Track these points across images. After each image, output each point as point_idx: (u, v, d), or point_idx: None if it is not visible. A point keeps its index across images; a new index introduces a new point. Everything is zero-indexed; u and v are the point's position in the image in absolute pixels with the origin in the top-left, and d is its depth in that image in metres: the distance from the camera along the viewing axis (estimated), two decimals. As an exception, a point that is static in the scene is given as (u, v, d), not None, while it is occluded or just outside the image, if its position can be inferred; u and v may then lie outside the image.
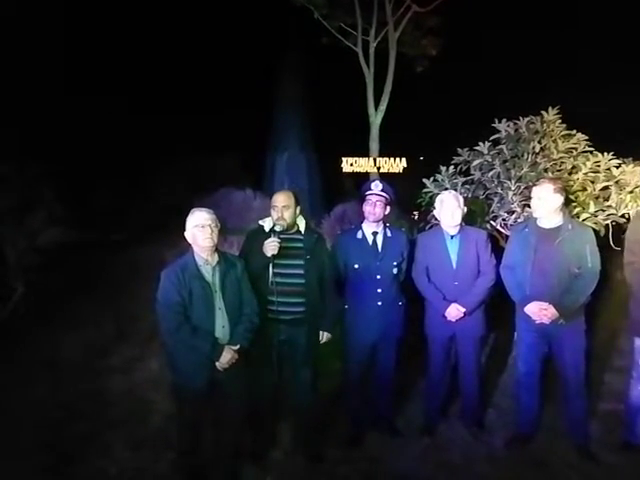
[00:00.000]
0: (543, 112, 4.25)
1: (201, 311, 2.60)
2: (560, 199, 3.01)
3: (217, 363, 2.61)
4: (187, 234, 2.67)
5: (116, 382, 3.89)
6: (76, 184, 9.27)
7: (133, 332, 4.63)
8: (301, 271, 2.98)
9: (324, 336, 3.14)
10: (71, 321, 4.97)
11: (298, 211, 3.05)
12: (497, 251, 3.33)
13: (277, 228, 2.91)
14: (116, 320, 4.96)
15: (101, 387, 3.82)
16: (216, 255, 2.70)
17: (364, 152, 9.27)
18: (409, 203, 5.42)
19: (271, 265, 2.86)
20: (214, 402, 2.75)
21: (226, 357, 2.61)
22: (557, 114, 4.22)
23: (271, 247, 2.85)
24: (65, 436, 3.22)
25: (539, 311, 2.96)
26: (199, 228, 2.61)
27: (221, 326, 2.65)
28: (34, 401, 3.56)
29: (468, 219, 4.03)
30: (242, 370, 2.73)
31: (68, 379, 3.88)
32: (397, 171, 8.25)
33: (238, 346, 2.66)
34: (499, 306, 3.38)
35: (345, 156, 8.47)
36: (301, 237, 3.03)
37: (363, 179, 8.50)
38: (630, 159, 4.18)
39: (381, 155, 8.92)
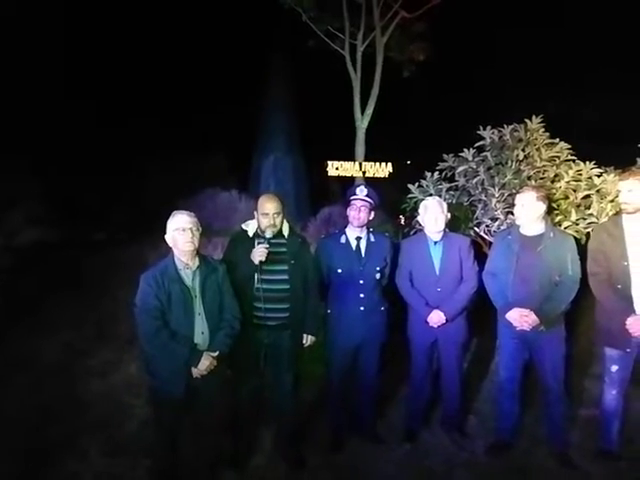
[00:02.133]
0: (527, 120, 4.29)
1: (180, 316, 2.55)
2: (543, 207, 3.04)
3: (195, 370, 2.56)
4: (168, 237, 2.62)
5: (94, 385, 3.81)
6: (59, 182, 9.14)
7: (113, 334, 4.54)
8: (286, 276, 2.95)
9: (308, 339, 3.12)
10: (49, 322, 4.86)
11: None
12: (480, 257, 3.35)
13: (268, 234, 2.88)
14: (96, 322, 4.86)
15: (78, 390, 3.74)
16: (197, 259, 2.65)
17: (350, 156, 9.31)
18: (395, 207, 5.43)
19: (258, 271, 2.83)
20: (192, 408, 2.69)
21: (204, 364, 2.55)
22: (540, 122, 4.27)
23: (259, 253, 2.82)
24: (40, 440, 3.14)
25: (520, 317, 2.98)
26: (180, 232, 2.56)
27: (200, 332, 2.60)
28: (9, 403, 3.48)
29: (452, 225, 4.05)
30: (221, 376, 2.68)
31: (45, 382, 3.79)
32: (383, 176, 8.28)
33: (217, 352, 2.61)
34: (482, 312, 3.39)
35: (331, 159, 8.48)
36: (285, 241, 3.01)
37: (349, 182, 8.53)
38: (612, 167, 4.23)
39: (367, 159, 8.95)
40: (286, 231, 3.03)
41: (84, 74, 11.30)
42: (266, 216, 2.92)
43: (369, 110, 9.37)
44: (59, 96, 10.58)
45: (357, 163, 8.59)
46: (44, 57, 10.20)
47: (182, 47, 12.47)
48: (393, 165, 8.25)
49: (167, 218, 2.68)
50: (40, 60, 10.10)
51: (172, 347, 2.52)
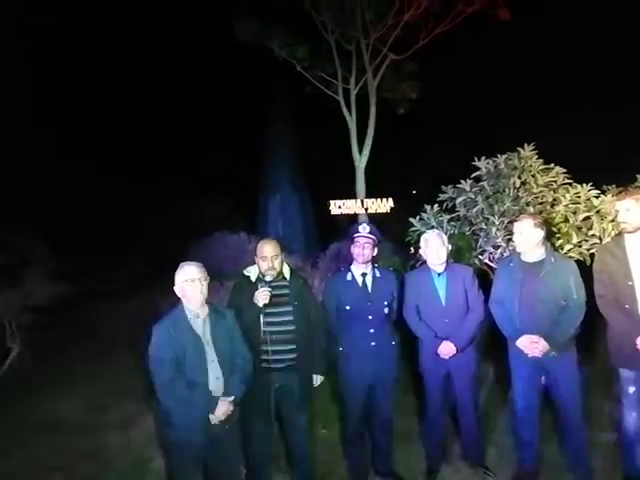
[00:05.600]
0: (519, 149, 4.39)
1: (194, 365, 2.59)
2: (541, 233, 3.07)
3: (212, 416, 2.59)
4: (176, 288, 2.69)
5: (114, 440, 3.82)
6: (70, 237, 9.38)
7: (131, 387, 4.58)
8: (290, 317, 3.01)
9: (317, 380, 3.15)
10: (68, 379, 4.92)
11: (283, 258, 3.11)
12: (487, 285, 3.36)
13: (268, 278, 2.95)
14: (114, 375, 4.92)
15: (98, 446, 3.75)
16: (206, 308, 2.71)
17: (352, 191, 9.53)
18: (400, 241, 5.50)
19: (262, 315, 2.89)
20: (212, 457, 2.70)
21: (221, 410, 2.59)
22: (533, 150, 4.37)
23: (263, 296, 2.88)
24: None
25: (530, 344, 2.98)
26: (188, 283, 2.63)
27: (215, 378, 2.64)
28: (31, 464, 3.50)
29: (456, 255, 4.10)
30: (238, 422, 2.70)
31: (65, 439, 3.82)
32: (384, 211, 8.38)
33: (233, 398, 2.64)
34: (498, 342, 3.38)
35: (334, 198, 8.64)
36: (287, 283, 3.08)
37: (354, 218, 8.66)
38: (614, 185, 4.27)
39: (369, 196, 9.10)
40: (287, 273, 3.10)
41: (89, 123, 11.77)
42: (265, 259, 3.00)
43: (366, 150, 9.67)
44: (64, 150, 11.01)
45: (359, 200, 8.74)
46: (47, 121, 10.70)
47: (190, 98, 13.01)
48: (396, 199, 8.37)
49: (177, 264, 2.74)
50: (43, 124, 10.61)
51: (189, 396, 2.56)
